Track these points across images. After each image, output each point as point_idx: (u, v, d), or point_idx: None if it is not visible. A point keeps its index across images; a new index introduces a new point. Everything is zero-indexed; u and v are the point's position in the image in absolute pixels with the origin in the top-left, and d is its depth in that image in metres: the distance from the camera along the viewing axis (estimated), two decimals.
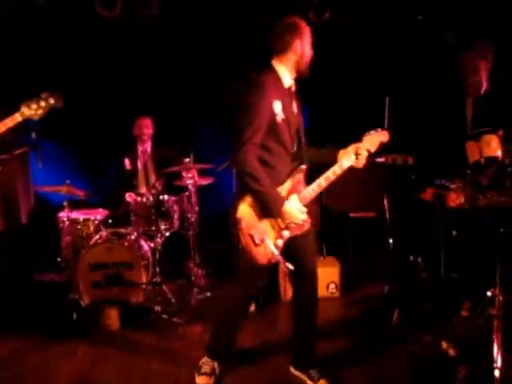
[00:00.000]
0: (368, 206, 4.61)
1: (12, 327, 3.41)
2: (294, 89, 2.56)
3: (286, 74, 2.51)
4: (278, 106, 2.42)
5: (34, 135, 2.84)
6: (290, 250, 2.55)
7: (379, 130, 2.58)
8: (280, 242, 2.47)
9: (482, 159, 2.63)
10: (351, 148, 2.53)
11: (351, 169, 2.52)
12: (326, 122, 4.80)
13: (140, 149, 4.48)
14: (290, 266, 2.41)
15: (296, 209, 2.42)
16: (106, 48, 4.76)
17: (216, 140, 4.77)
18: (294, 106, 2.56)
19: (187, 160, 3.95)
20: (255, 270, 2.53)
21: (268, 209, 2.41)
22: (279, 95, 2.44)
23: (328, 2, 4.62)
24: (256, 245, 2.44)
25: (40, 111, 2.72)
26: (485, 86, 3.26)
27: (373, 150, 2.54)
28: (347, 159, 2.49)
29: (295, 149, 2.56)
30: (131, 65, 4.84)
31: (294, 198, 2.46)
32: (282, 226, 2.47)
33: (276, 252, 2.41)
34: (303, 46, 2.46)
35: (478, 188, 2.71)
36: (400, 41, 4.60)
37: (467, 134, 3.19)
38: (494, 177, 2.67)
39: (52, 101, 2.74)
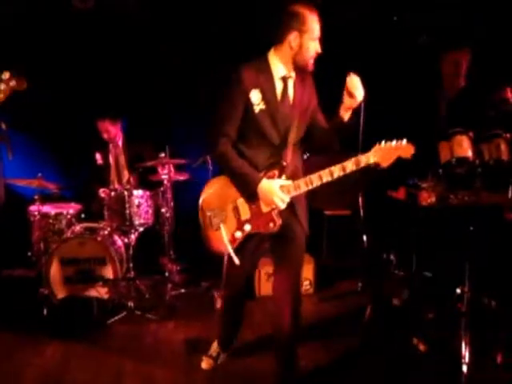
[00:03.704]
0: (343, 204, 4.66)
1: None
2: (292, 79, 2.35)
3: (278, 65, 2.32)
4: (256, 96, 2.27)
5: (4, 126, 2.74)
6: (273, 251, 2.47)
7: (401, 142, 2.27)
8: (238, 235, 2.35)
9: (453, 159, 2.68)
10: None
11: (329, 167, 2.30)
12: None
13: (111, 144, 4.42)
14: (237, 261, 2.31)
15: (273, 189, 2.25)
16: (79, 41, 4.67)
17: (191, 135, 4.74)
18: (289, 97, 2.34)
19: (162, 155, 3.91)
20: (231, 266, 2.41)
21: (242, 186, 2.31)
22: (260, 85, 2.27)
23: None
24: (212, 227, 2.38)
25: (1, 95, 2.45)
26: (462, 85, 3.33)
27: (384, 164, 2.27)
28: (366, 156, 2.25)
29: (283, 142, 2.33)
30: (105, 58, 4.76)
31: (275, 182, 2.29)
32: (244, 218, 2.34)
33: (227, 241, 2.32)
34: (302, 40, 2.25)
35: (449, 187, 2.76)
36: (375, 41, 4.65)
37: (435, 133, 3.25)
38: (465, 177, 2.72)
39: (13, 83, 2.46)
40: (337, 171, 2.26)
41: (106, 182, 4.34)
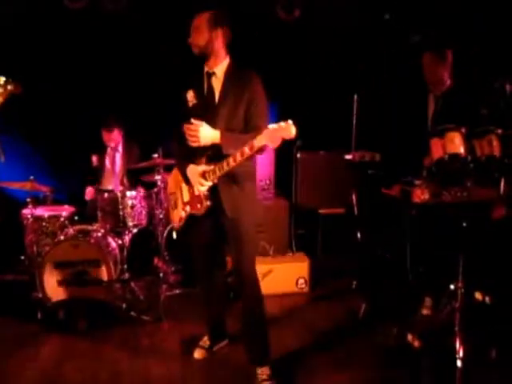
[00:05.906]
0: (337, 203, 4.68)
1: None
2: (216, 75, 2.61)
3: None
4: (190, 94, 2.64)
5: None
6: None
7: (283, 123, 2.18)
8: (182, 214, 2.74)
9: (446, 156, 2.69)
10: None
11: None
12: (295, 119, 4.83)
13: (109, 148, 4.40)
14: (174, 236, 3.02)
15: (193, 174, 2.57)
16: (73, 42, 4.65)
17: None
18: (214, 90, 2.61)
19: (156, 155, 3.90)
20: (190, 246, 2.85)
21: (180, 171, 2.73)
22: (194, 84, 2.65)
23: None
24: (172, 207, 2.86)
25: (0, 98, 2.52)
26: (448, 83, 3.32)
27: (272, 146, 2.22)
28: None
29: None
30: (105, 59, 4.74)
31: (199, 167, 2.56)
32: (186, 200, 2.72)
33: (177, 219, 2.80)
34: None
35: (442, 184, 2.77)
36: (368, 39, 4.67)
37: (427, 130, 3.25)
38: (458, 173, 2.73)
39: (10, 87, 2.53)
40: (238, 156, 2.37)
41: (98, 183, 4.33)
